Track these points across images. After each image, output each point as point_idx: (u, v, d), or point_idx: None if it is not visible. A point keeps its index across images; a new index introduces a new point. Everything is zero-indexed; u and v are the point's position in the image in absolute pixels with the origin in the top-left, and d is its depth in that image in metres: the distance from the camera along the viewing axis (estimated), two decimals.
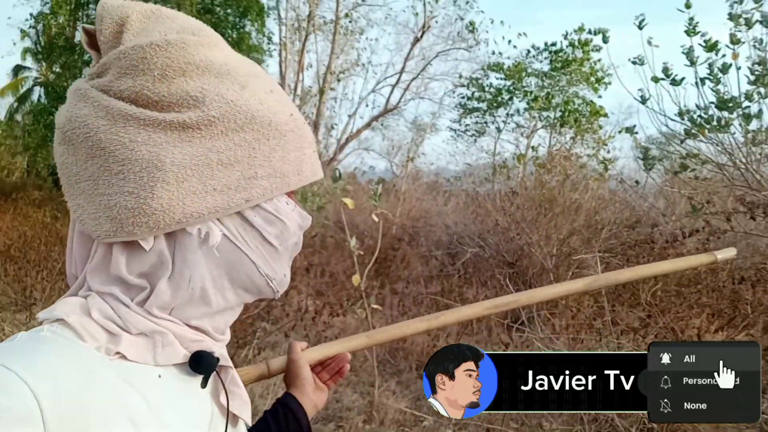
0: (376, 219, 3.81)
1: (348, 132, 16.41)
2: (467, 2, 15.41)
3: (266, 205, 0.66)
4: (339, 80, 16.08)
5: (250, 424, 0.74)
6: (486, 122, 19.21)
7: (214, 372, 0.66)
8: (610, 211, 7.26)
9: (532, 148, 15.90)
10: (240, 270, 0.66)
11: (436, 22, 15.64)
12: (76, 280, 0.66)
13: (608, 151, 13.05)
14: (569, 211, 7.04)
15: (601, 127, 15.59)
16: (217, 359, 0.66)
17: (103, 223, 0.61)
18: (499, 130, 19.24)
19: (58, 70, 14.31)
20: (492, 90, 18.07)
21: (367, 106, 18.45)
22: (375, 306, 3.95)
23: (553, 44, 16.50)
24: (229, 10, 12.78)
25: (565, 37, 16.13)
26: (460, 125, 19.54)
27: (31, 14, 15.38)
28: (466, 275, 7.65)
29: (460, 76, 17.52)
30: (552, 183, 7.75)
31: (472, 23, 15.71)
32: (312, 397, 0.91)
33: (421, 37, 15.41)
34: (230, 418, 0.69)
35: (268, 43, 14.60)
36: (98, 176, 0.61)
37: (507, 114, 18.71)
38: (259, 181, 0.64)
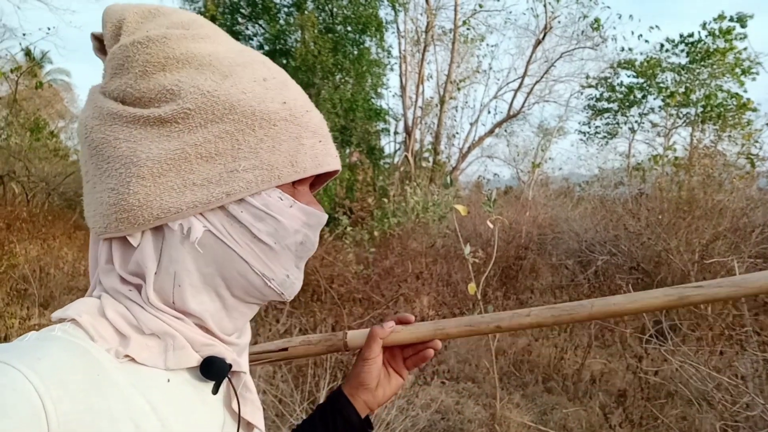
0: (491, 225, 3.75)
1: (470, 140, 16.28)
2: None
3: (252, 200, 0.62)
4: (459, 89, 16.01)
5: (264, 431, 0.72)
6: (618, 123, 18.33)
7: (226, 378, 0.65)
8: (761, 212, 6.55)
9: (670, 147, 14.87)
10: (231, 268, 0.63)
11: (559, 22, 15.14)
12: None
13: (760, 147, 11.80)
14: (712, 214, 6.45)
15: (750, 122, 14.25)
16: (230, 365, 0.65)
17: (98, 220, 0.62)
18: (632, 130, 18.27)
19: None
20: (623, 89, 17.20)
21: (489, 113, 18.25)
22: None
23: (690, 35, 15.38)
24: (349, 28, 13.18)
25: (704, 27, 14.97)
26: (590, 127, 18.79)
27: None
28: (597, 284, 7.24)
29: (587, 77, 16.81)
30: (691, 183, 7.16)
31: (597, 20, 15.03)
32: (369, 399, 0.86)
33: (543, 38, 14.95)
34: (243, 425, 0.67)
35: (388, 57, 14.86)
36: (93, 174, 0.62)
37: (641, 113, 17.74)
38: (242, 174, 0.61)
